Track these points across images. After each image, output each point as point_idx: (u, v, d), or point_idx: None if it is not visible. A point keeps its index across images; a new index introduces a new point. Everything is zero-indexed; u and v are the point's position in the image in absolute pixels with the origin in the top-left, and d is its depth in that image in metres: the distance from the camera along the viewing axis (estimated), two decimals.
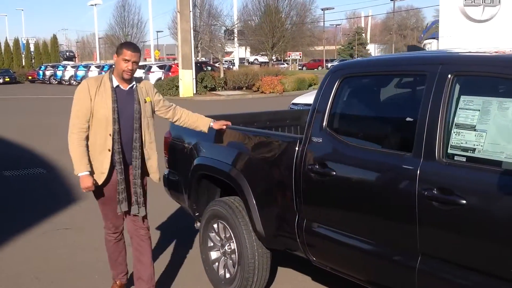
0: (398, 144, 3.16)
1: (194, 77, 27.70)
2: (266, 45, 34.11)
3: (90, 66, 44.52)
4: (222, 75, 29.27)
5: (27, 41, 68.13)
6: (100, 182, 4.07)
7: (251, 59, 73.35)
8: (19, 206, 7.52)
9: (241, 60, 52.44)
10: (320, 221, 3.50)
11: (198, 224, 4.88)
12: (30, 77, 53.86)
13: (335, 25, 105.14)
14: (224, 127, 4.39)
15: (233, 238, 4.23)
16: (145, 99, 4.15)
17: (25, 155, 11.89)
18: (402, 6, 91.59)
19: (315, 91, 11.22)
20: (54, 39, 68.80)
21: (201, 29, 30.48)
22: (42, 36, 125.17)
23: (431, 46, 48.70)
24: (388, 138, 3.27)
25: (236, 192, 4.42)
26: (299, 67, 69.16)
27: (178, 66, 30.72)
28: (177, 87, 27.68)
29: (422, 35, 50.71)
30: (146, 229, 4.26)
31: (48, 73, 51.03)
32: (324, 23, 73.09)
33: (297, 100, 11.30)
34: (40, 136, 14.56)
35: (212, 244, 4.56)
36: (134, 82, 4.15)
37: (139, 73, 35.30)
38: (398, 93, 3.45)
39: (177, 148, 4.98)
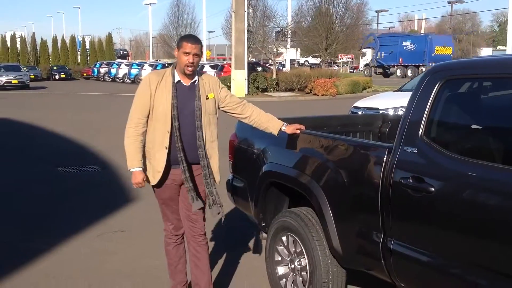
0: None
1: (246, 77, 27.44)
2: (320, 47, 33.53)
3: (143, 65, 44.96)
4: (274, 76, 28.89)
5: (83, 38, 69.63)
6: (156, 180, 3.92)
7: (302, 60, 72.65)
8: (74, 206, 7.35)
9: (292, 61, 51.91)
10: (412, 243, 3.07)
11: (264, 235, 4.53)
12: (85, 74, 54.90)
13: (388, 28, 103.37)
14: (298, 131, 4.04)
15: (305, 253, 3.85)
16: (207, 95, 3.93)
17: (78, 152, 11.84)
18: (458, 9, 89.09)
19: (378, 95, 10.82)
20: (109, 37, 69.97)
21: (255, 30, 30.14)
22: (97, 34, 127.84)
23: (366, 53, 53.53)
24: (503, 152, 2.80)
25: (307, 203, 4.07)
26: (350, 70, 68.18)
27: (230, 66, 30.61)
28: (229, 87, 27.44)
29: (361, 45, 52.85)
30: (203, 235, 4.08)
31: (102, 70, 51.91)
32: (377, 26, 71.69)
33: (359, 103, 10.86)
34: (93, 133, 14.56)
35: (279, 259, 4.19)
36: (196, 77, 3.94)
37: None
38: None
39: (244, 152, 4.64)
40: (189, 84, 3.91)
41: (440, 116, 3.07)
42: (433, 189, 2.88)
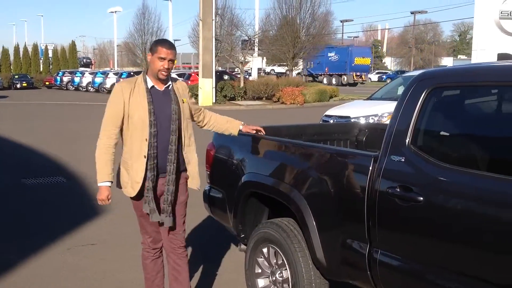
0: (507, 167, 2.64)
1: (214, 86, 27.32)
2: (287, 55, 33.65)
3: (108, 73, 44.38)
4: (242, 84, 28.84)
5: (46, 47, 68.28)
6: (135, 192, 3.76)
7: (268, 69, 72.86)
8: (40, 219, 7.10)
9: (258, 70, 52.06)
10: (399, 253, 3.02)
11: (243, 246, 4.43)
12: (47, 83, 53.80)
13: (352, 37, 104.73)
14: (254, 131, 4.23)
15: (287, 265, 3.76)
16: (182, 100, 3.86)
17: (44, 163, 11.49)
18: (420, 20, 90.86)
19: (348, 103, 10.84)
20: (73, 45, 68.88)
21: (222, 38, 30.05)
22: (60, 42, 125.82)
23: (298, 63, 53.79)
24: (493, 160, 2.77)
25: (288, 213, 4.00)
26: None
27: (197, 74, 30.45)
28: (197, 95, 27.28)
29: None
30: (184, 247, 3.97)
31: (65, 79, 50.99)
32: (342, 35, 72.58)
33: (330, 112, 10.86)
34: (58, 143, 14.22)
35: (260, 271, 4.09)
36: (170, 82, 3.86)
37: None
38: (505, 107, 2.94)
39: (221, 162, 4.53)
40: (163, 89, 3.81)
41: (427, 125, 3.04)
42: (421, 198, 2.84)
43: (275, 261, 3.93)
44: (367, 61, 53.36)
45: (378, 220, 3.08)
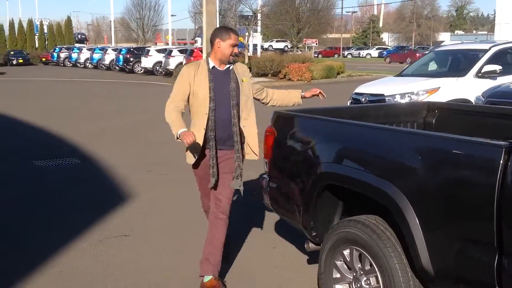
0: None
1: None
2: (292, 31, 32.86)
3: (107, 49, 43.43)
4: (246, 61, 28.11)
5: (41, 22, 66.88)
6: (193, 159, 4.21)
7: (266, 45, 71.93)
8: (61, 206, 6.54)
9: (254, 46, 51.35)
10: None
11: (311, 245, 3.89)
12: (43, 59, 52.86)
13: (351, 13, 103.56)
14: (317, 92, 4.41)
15: (377, 272, 3.22)
16: (242, 79, 4.22)
17: (53, 142, 10.92)
18: None
19: (379, 80, 10.22)
20: (68, 21, 67.61)
21: (225, 13, 29.24)
22: (54, 18, 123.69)
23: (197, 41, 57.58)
24: None
25: (365, 209, 3.47)
26: (315, 55, 67.88)
27: (200, 50, 29.66)
28: None
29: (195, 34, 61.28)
30: (224, 214, 4.19)
31: (62, 55, 50.05)
32: (342, 10, 71.52)
33: (361, 89, 10.23)
34: (65, 121, 13.61)
35: (338, 276, 3.56)
36: (231, 63, 4.24)
37: (159, 57, 34.32)
38: None
39: (287, 149, 3.97)
40: (224, 69, 4.19)
41: None
42: None
43: (359, 265, 3.40)
44: (240, 39, 56.41)
45: None
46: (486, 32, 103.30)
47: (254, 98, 4.35)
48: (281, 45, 66.12)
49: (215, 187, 4.20)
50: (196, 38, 62.03)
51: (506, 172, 2.57)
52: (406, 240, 3.03)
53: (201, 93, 4.09)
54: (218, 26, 26.67)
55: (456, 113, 4.71)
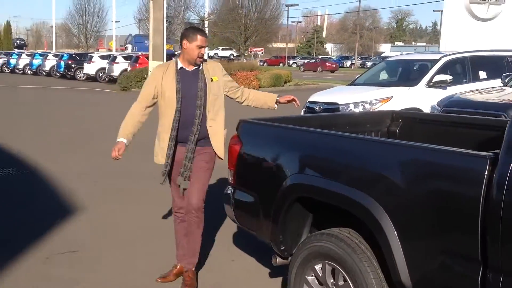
0: None
1: None
2: (239, 39, 32.79)
3: (47, 55, 42.09)
4: None
5: None
6: (163, 160, 4.29)
7: (211, 53, 71.72)
8: (0, 221, 6.12)
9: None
10: None
11: (279, 259, 3.72)
12: None
13: (295, 22, 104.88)
14: (291, 99, 4.45)
15: (352, 287, 3.07)
16: (211, 78, 4.23)
17: None
18: (361, 6, 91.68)
19: (332, 89, 10.21)
20: (7, 26, 65.47)
21: (172, 20, 28.86)
22: None
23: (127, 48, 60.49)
24: None
25: (336, 221, 3.34)
26: (260, 63, 68.14)
27: (145, 57, 29.17)
28: (146, 79, 26.10)
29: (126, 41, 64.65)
30: (198, 212, 4.23)
31: (0, 61, 48.23)
32: (288, 20, 72.27)
33: (315, 98, 10.17)
34: (4, 130, 12.95)
35: None
36: (198, 65, 4.23)
37: (102, 63, 33.55)
38: None
39: (253, 159, 3.80)
40: (192, 70, 4.22)
41: None
42: None
43: (332, 280, 3.25)
44: (170, 47, 60.05)
45: (502, 238, 2.44)
46: (424, 44, 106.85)
47: (228, 96, 4.40)
48: (226, 53, 66.07)
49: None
50: (127, 45, 63.33)
51: (491, 184, 2.47)
52: (384, 254, 2.89)
53: (168, 94, 4.14)
54: (165, 32, 26.39)
55: (419, 122, 4.67)
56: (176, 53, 24.13)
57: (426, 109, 8.84)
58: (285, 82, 28.21)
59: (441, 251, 2.70)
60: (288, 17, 72.60)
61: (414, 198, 2.79)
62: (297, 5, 75.12)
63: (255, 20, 33.20)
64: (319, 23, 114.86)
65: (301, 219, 3.59)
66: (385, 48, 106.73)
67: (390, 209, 2.85)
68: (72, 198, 6.98)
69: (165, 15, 26.15)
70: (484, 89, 7.66)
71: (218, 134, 4.27)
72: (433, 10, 71.72)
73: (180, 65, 4.20)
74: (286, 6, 70.54)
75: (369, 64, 71.21)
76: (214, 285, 4.44)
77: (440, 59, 9.39)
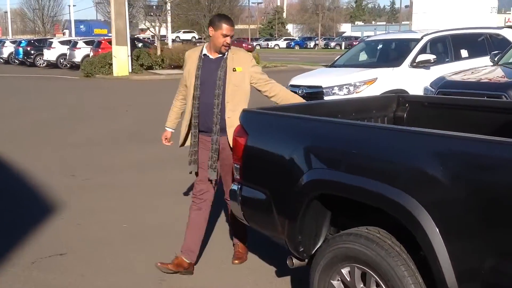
0: None
1: (129, 54, 25.46)
2: (203, 21, 32.11)
3: (4, 42, 40.62)
4: (159, 52, 27.14)
5: None
6: (180, 142, 4.38)
7: (173, 36, 70.58)
8: None
9: (162, 37, 50.05)
10: None
11: (296, 261, 3.43)
12: None
13: (256, 4, 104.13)
14: None
15: None
16: (234, 68, 4.14)
17: None
18: None
19: (313, 71, 9.90)
20: None
21: (134, 2, 28.03)
22: None
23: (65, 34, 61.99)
24: None
25: (358, 219, 3.08)
26: None
27: (108, 42, 28.36)
28: (111, 65, 25.38)
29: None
30: (204, 202, 4.30)
31: None
32: (249, 2, 71.53)
33: (296, 81, 9.85)
34: None
35: None
36: (226, 52, 4.17)
37: (63, 49, 32.51)
38: None
39: (262, 153, 3.48)
40: (216, 58, 4.17)
41: None
42: None
43: (362, 285, 2.98)
44: (104, 31, 58.27)
45: None
46: (384, 23, 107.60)
47: (256, 88, 4.29)
48: (188, 36, 65.02)
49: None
50: (64, 31, 63.11)
51: None
52: (427, 257, 2.63)
53: (189, 80, 4.18)
54: (127, 15, 25.61)
55: (428, 106, 4.42)
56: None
57: (411, 90, 8.66)
58: None
59: (490, 251, 2.45)
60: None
61: (457, 194, 2.52)
62: None
63: (219, 1, 32.54)
64: (279, 4, 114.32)
65: (319, 218, 3.30)
66: (346, 28, 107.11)
67: (430, 207, 2.58)
68: (50, 194, 6.56)
69: None
70: (475, 68, 7.49)
71: (235, 126, 3.86)
72: None
73: (205, 51, 4.19)
74: None
75: (332, 44, 71.47)
76: (215, 282, 4.15)
77: (422, 38, 9.19)
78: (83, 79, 25.05)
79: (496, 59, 7.59)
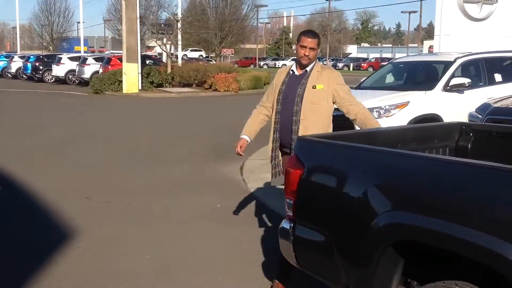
0: None
1: (140, 71, 25.15)
2: (214, 40, 31.89)
3: (13, 57, 40.46)
4: (169, 70, 26.83)
5: None
6: (269, 156, 4.37)
7: (180, 54, 70.47)
8: None
9: (167, 56, 49.91)
10: None
11: None
12: None
13: (264, 24, 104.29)
14: None
15: None
16: (315, 85, 4.15)
17: None
18: (326, 7, 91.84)
19: None
20: None
21: (146, 20, 27.80)
22: None
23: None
24: None
25: (436, 268, 2.64)
26: (231, 65, 67.31)
27: (118, 59, 28.13)
28: (120, 81, 25.06)
29: None
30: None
31: None
32: (257, 21, 71.56)
33: None
34: None
35: None
36: (310, 67, 4.20)
37: (72, 65, 32.27)
38: None
39: (327, 188, 3.03)
40: (300, 73, 4.23)
41: None
42: None
43: None
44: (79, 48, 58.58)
45: None
46: (390, 45, 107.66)
47: (339, 107, 4.24)
48: (195, 54, 64.96)
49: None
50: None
51: None
52: None
53: (275, 95, 4.27)
54: (138, 33, 25.36)
55: (495, 136, 3.97)
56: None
57: (444, 115, 8.22)
58: (264, 84, 27.50)
59: None
60: (257, 18, 71.67)
61: None
62: (267, 5, 74.36)
63: (230, 20, 32.31)
64: (285, 24, 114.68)
65: (392, 266, 2.84)
66: (352, 50, 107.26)
67: None
68: (65, 218, 6.10)
69: (138, 15, 25.11)
70: None
71: None
72: (401, 12, 71.59)
73: (293, 68, 4.27)
74: (256, 6, 69.88)
75: (340, 65, 71.31)
76: None
77: (455, 60, 8.76)
78: (92, 96, 24.74)
79: None
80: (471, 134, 4.00)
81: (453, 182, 2.46)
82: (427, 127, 4.17)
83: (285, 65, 61.13)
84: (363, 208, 2.76)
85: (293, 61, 4.39)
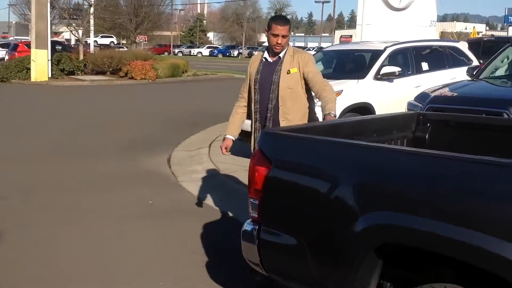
0: None
1: (49, 58, 23.78)
2: (129, 26, 30.79)
3: None
4: (81, 57, 25.58)
5: None
6: (251, 145, 4.31)
7: (89, 41, 68.00)
8: None
9: (76, 41, 47.90)
10: None
11: None
12: None
13: (178, 10, 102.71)
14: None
15: None
16: (289, 70, 4.08)
17: None
18: None
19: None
20: None
21: (57, 4, 26.33)
22: None
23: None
24: None
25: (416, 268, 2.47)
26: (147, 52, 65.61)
27: (25, 44, 26.54)
28: (28, 69, 23.60)
29: None
30: None
31: None
32: (172, 7, 70.17)
33: None
34: None
35: None
36: (282, 53, 4.12)
37: None
38: None
39: (297, 186, 2.75)
40: (273, 61, 4.16)
41: None
42: None
43: None
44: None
45: None
46: (303, 34, 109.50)
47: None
48: (106, 41, 62.69)
49: None
50: None
51: None
52: None
53: (251, 84, 4.21)
54: (49, 17, 23.99)
55: (453, 126, 3.87)
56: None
57: (375, 103, 8.22)
58: (183, 72, 26.88)
59: None
60: (172, 4, 70.31)
61: None
62: None
63: (147, 6, 31.33)
64: (199, 11, 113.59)
65: (371, 268, 2.62)
66: (266, 38, 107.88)
67: None
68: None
69: None
70: (457, 82, 7.10)
71: None
72: (315, 1, 72.54)
73: (265, 55, 4.21)
74: None
75: (255, 53, 71.52)
76: None
77: (385, 49, 8.75)
78: None
79: (475, 73, 7.26)
80: (428, 124, 3.88)
81: (451, 181, 2.26)
82: (385, 118, 4.01)
83: (201, 53, 60.15)
84: (342, 208, 2.52)
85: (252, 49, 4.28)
